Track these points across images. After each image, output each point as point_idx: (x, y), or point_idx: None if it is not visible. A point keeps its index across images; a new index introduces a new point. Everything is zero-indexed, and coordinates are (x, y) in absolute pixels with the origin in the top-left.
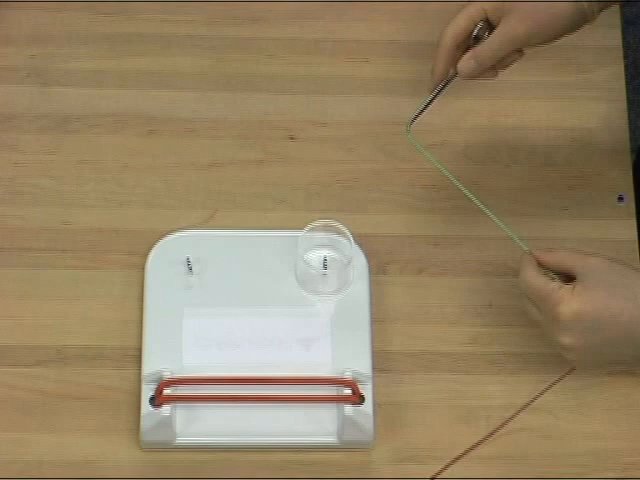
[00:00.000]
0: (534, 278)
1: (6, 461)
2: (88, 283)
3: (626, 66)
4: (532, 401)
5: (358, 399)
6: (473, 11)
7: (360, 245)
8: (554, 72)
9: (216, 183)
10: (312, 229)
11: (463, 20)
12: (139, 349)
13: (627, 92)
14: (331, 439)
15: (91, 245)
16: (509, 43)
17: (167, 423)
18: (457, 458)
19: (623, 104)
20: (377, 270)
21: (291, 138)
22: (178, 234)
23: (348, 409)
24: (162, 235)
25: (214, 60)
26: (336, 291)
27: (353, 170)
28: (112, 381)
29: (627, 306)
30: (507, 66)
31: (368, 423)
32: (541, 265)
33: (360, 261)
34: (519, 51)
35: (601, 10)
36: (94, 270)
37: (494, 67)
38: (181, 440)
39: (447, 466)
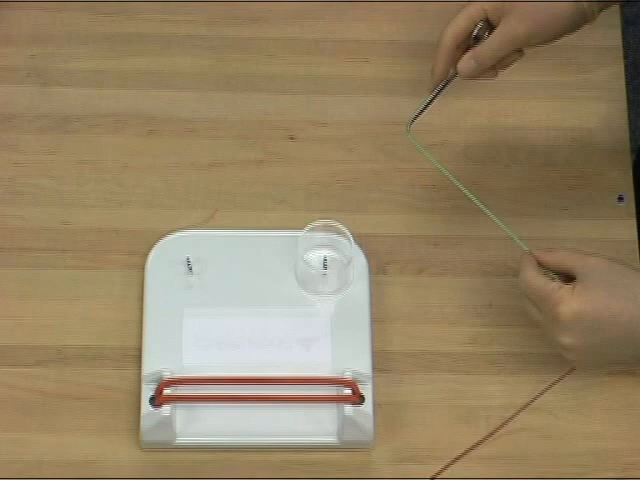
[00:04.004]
0: (534, 278)
1: (6, 461)
2: (88, 283)
3: (626, 66)
4: (532, 401)
5: (358, 399)
6: (473, 11)
7: (360, 245)
8: (554, 72)
9: (216, 183)
10: (312, 229)
11: (463, 20)
12: (139, 349)
13: (627, 92)
14: (331, 439)
15: (91, 245)
16: (509, 43)
17: (167, 423)
18: (457, 458)
19: (623, 104)
20: (377, 270)
21: (291, 138)
22: (178, 234)
23: (348, 409)
24: (162, 235)
25: (214, 60)
26: (336, 291)
27: (353, 170)
28: (112, 381)
29: (627, 306)
30: (507, 66)
31: (368, 423)
32: (541, 265)
33: (360, 261)
34: (519, 51)
35: (601, 10)
36: (94, 270)
37: (494, 67)
38: (181, 440)
39: (447, 466)
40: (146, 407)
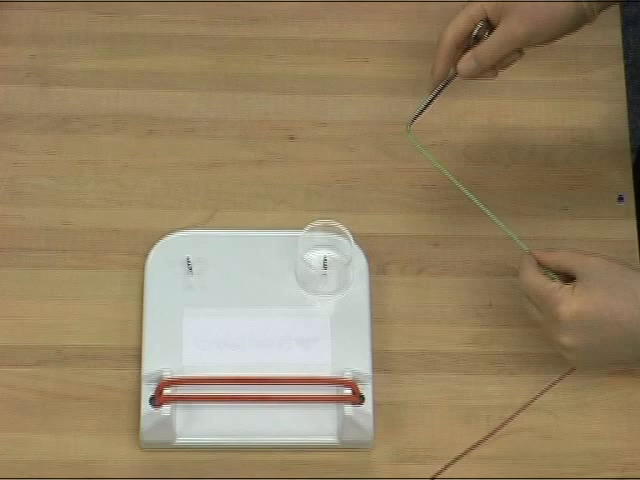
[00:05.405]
0: (534, 278)
1: (6, 461)
2: (88, 283)
3: (626, 66)
4: (532, 401)
5: (358, 399)
6: (473, 11)
7: (360, 245)
8: (554, 72)
9: (216, 183)
10: (312, 229)
11: (463, 20)
12: (139, 349)
13: (627, 92)
14: (331, 439)
15: (91, 245)
16: (509, 43)
17: (167, 423)
18: (457, 458)
19: (623, 104)
20: (377, 270)
21: (291, 138)
22: (178, 234)
23: (348, 409)
24: (162, 235)
25: (214, 60)
26: (336, 291)
27: (353, 170)
28: (112, 381)
29: (627, 306)
30: (507, 66)
31: (368, 423)
32: (541, 265)
33: (360, 261)
34: (519, 51)
35: (601, 10)
36: (94, 270)
37: (494, 67)
38: (181, 440)
39: (447, 466)
40: (146, 407)
